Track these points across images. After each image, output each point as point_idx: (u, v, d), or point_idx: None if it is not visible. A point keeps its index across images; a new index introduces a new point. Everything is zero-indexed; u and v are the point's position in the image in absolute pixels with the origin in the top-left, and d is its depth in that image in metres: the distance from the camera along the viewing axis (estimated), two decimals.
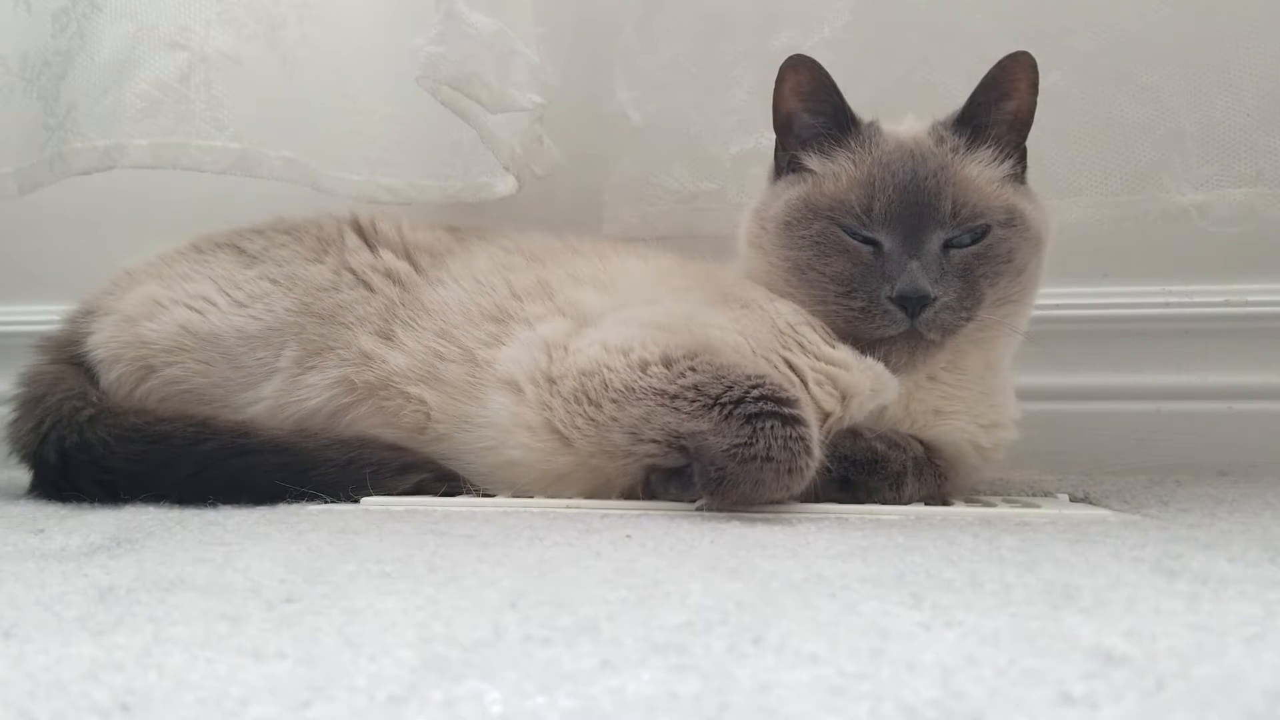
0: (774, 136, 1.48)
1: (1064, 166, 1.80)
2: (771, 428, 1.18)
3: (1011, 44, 1.40)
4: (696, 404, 1.23)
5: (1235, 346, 1.92)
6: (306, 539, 1.05)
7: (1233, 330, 1.92)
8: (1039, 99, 1.42)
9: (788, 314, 1.39)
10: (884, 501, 1.31)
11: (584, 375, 1.32)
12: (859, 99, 1.46)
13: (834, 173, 1.41)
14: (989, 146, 1.40)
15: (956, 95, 1.43)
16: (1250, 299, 1.92)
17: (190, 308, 1.57)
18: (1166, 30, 1.75)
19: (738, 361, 1.27)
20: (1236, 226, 1.76)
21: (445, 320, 1.51)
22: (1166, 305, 1.94)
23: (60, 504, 1.40)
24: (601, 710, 0.52)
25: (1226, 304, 1.92)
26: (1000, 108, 1.41)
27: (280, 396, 1.51)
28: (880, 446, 1.33)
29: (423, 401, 1.47)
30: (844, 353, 1.36)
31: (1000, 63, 1.39)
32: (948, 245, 1.35)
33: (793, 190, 1.44)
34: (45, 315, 1.79)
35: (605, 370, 1.30)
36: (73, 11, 1.91)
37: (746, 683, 0.56)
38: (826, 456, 1.26)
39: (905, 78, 1.83)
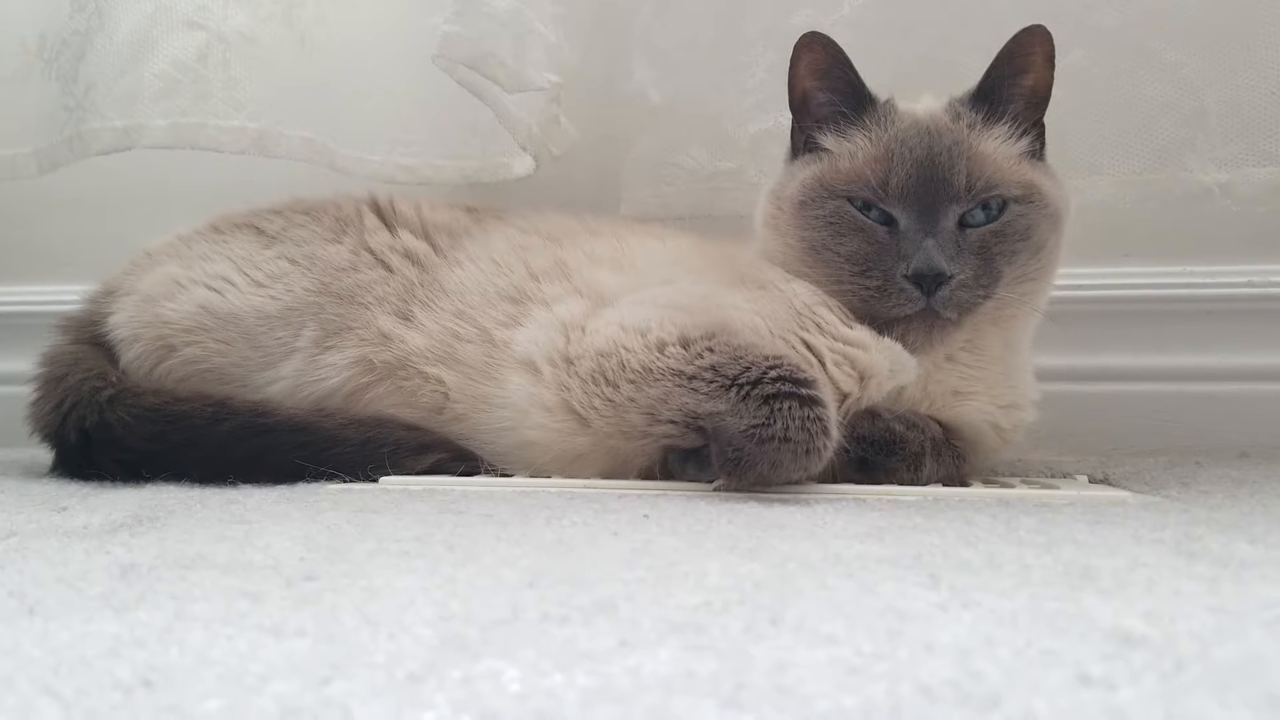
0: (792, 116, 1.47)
1: (1086, 145, 1.78)
2: (789, 408, 1.18)
3: (1033, 21, 1.38)
4: (714, 385, 1.22)
5: (1258, 327, 1.91)
6: (325, 518, 1.06)
7: (1255, 311, 1.91)
8: (1060, 77, 1.41)
9: (805, 294, 1.39)
10: (902, 483, 1.30)
11: (601, 356, 1.32)
12: (879, 78, 1.44)
13: (850, 151, 1.40)
14: (1005, 123, 1.39)
15: (977, 74, 1.42)
16: (1273, 279, 1.90)
17: (209, 288, 1.58)
18: (1190, 6, 1.73)
19: (755, 342, 1.27)
20: (1260, 206, 1.75)
21: (463, 301, 1.51)
22: (1188, 285, 1.92)
23: (82, 482, 1.41)
24: (619, 689, 0.52)
25: (1249, 285, 1.90)
26: (1017, 82, 1.40)
27: (299, 376, 1.52)
28: (898, 427, 1.32)
29: (441, 381, 1.47)
30: (862, 333, 1.35)
31: (1015, 36, 1.38)
32: (964, 224, 1.34)
33: (808, 170, 1.43)
34: (66, 295, 1.80)
35: (623, 351, 1.30)
36: None
37: (764, 662, 0.56)
38: (844, 437, 1.25)
39: (925, 56, 1.81)
